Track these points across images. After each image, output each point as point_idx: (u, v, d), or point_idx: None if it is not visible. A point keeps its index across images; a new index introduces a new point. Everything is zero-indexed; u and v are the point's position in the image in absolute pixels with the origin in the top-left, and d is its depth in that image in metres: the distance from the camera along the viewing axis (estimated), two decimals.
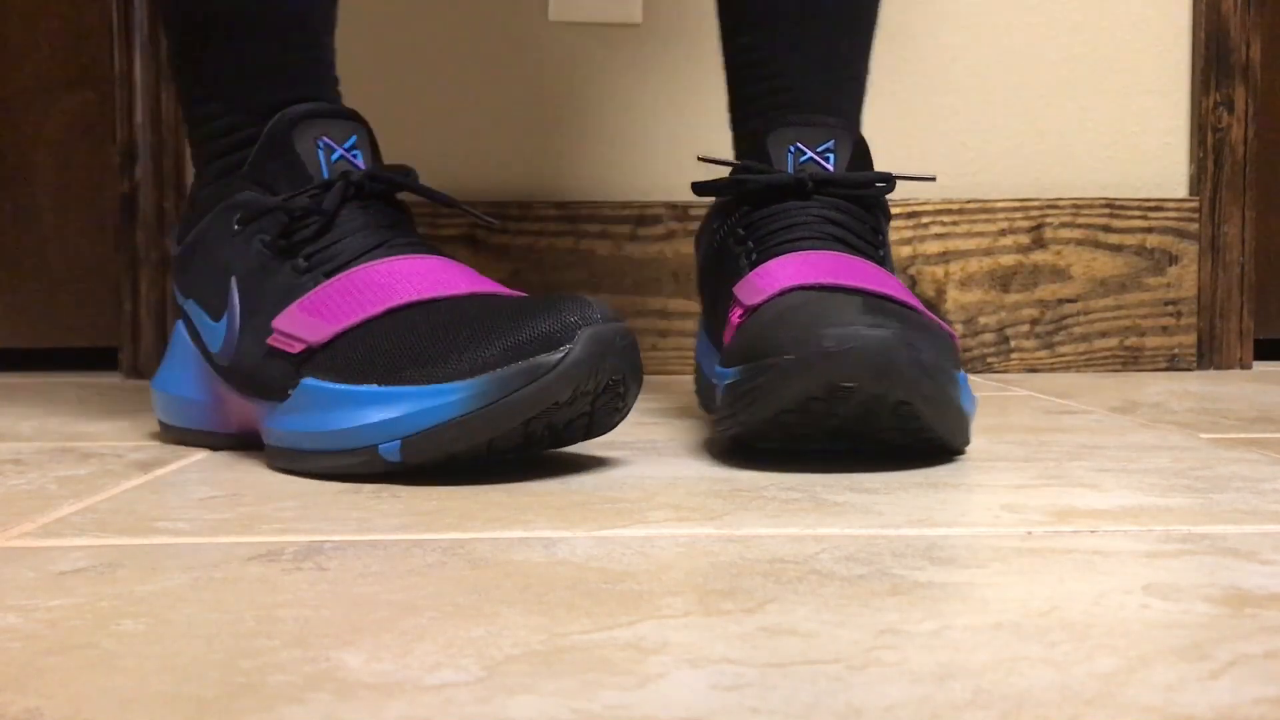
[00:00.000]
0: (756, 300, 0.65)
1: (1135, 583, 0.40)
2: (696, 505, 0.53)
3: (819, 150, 0.73)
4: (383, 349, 0.60)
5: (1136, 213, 1.15)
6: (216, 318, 0.68)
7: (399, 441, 0.58)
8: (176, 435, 0.72)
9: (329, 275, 0.63)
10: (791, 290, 0.65)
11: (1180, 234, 1.15)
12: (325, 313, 0.62)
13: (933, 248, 1.13)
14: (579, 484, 0.58)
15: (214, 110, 0.69)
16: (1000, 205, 1.13)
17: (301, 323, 0.62)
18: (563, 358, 0.56)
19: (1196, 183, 1.16)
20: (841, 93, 0.79)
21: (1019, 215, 1.14)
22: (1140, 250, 1.15)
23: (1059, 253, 1.14)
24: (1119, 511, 0.51)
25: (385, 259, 0.64)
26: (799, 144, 0.73)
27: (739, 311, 0.67)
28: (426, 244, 0.67)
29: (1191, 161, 1.16)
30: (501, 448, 0.59)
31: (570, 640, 0.34)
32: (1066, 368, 1.14)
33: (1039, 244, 1.14)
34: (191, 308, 0.70)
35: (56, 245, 1.21)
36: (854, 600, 0.38)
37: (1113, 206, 1.14)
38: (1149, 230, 1.15)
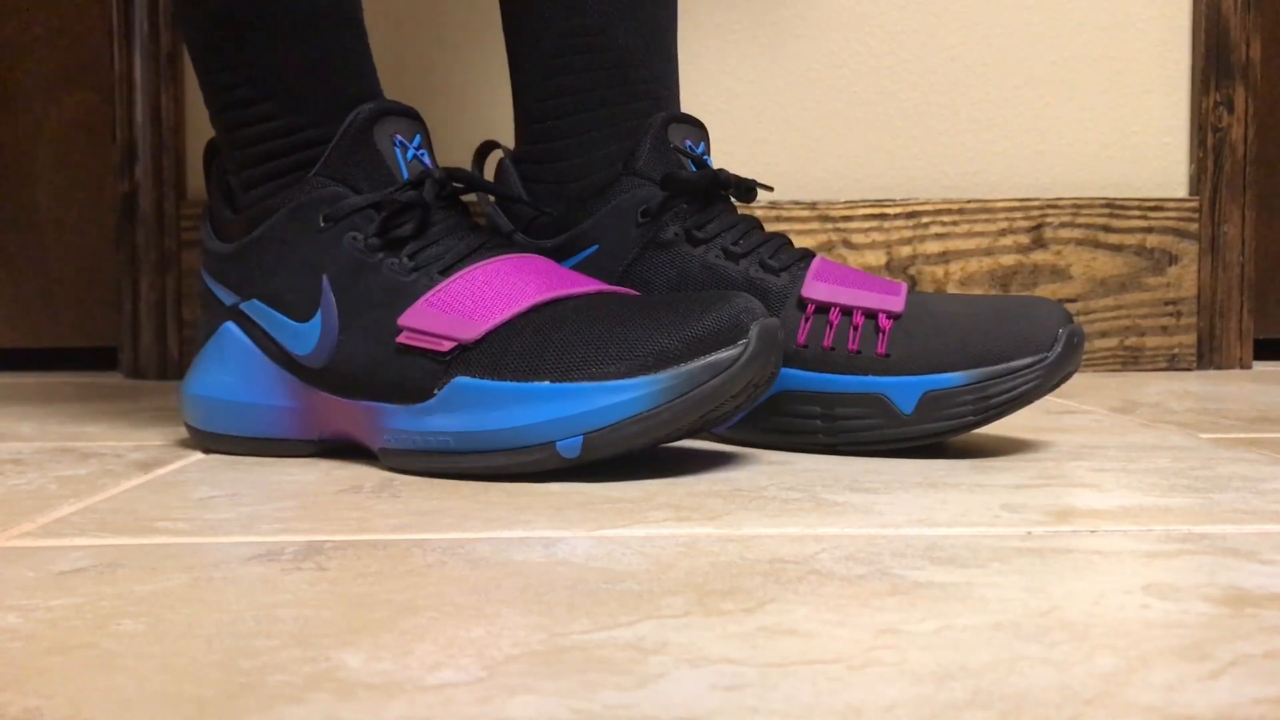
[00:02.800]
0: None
1: (1135, 583, 0.40)
2: (696, 505, 0.53)
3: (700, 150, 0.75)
4: (548, 344, 0.59)
5: (1136, 213, 1.15)
6: (303, 318, 0.65)
7: (581, 437, 0.58)
8: (231, 445, 0.69)
9: (444, 273, 0.63)
10: None
11: (1180, 234, 1.15)
12: (466, 310, 0.61)
13: (933, 248, 1.13)
14: (579, 484, 0.58)
15: (268, 110, 0.67)
16: (1000, 205, 1.13)
17: (444, 321, 0.61)
18: (742, 353, 0.58)
19: (1196, 182, 1.16)
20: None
21: (1019, 215, 1.14)
22: (1140, 250, 1.15)
23: (1059, 252, 1.14)
24: (1119, 511, 0.51)
25: (496, 258, 0.64)
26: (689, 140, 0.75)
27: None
28: (516, 244, 0.67)
29: (1191, 161, 1.16)
30: (669, 439, 0.60)
31: (570, 640, 0.34)
32: None
33: (1039, 244, 1.14)
34: (256, 308, 0.67)
35: (56, 245, 1.22)
36: (854, 600, 0.38)
37: (1113, 206, 1.14)
38: (1149, 230, 1.15)
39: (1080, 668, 0.32)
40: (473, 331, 0.60)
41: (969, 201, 1.13)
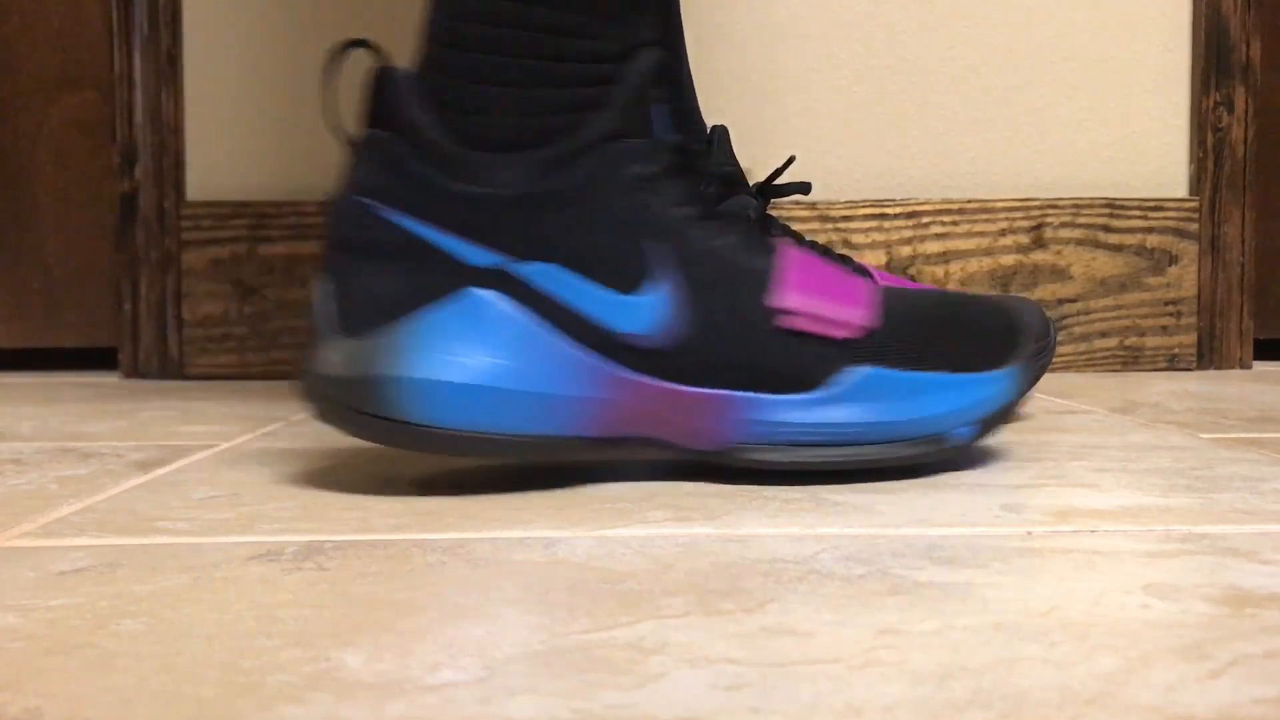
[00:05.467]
0: None
1: (1135, 582, 0.40)
2: (696, 505, 0.53)
3: None
4: (929, 335, 0.60)
5: (1136, 212, 1.15)
6: (626, 288, 0.56)
7: (973, 426, 0.60)
8: (486, 449, 0.55)
9: (766, 251, 0.59)
10: None
11: (1180, 234, 1.15)
12: (837, 294, 0.59)
13: (933, 247, 1.13)
14: (579, 484, 0.58)
15: (591, 27, 0.56)
16: (1000, 205, 1.13)
17: (829, 305, 0.58)
18: (1050, 344, 0.64)
19: (1196, 182, 1.16)
20: None
21: (1019, 215, 1.14)
22: (1140, 250, 1.15)
23: (1059, 252, 1.14)
24: (1119, 511, 0.51)
25: (778, 238, 0.61)
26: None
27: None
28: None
29: (1191, 161, 1.16)
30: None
31: (570, 640, 0.34)
32: (1066, 367, 1.14)
33: (1039, 244, 1.14)
34: (547, 272, 0.55)
35: (56, 245, 1.22)
36: (854, 600, 0.38)
37: (1113, 206, 1.14)
38: (1149, 230, 1.15)
39: (1080, 668, 0.32)
40: (865, 319, 0.58)
41: (969, 201, 1.13)
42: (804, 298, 0.58)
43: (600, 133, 0.56)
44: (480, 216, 0.55)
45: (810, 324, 0.57)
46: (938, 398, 0.59)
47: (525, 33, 0.56)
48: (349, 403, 0.55)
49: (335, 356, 0.55)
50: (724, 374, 0.57)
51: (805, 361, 0.57)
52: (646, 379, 0.56)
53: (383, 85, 0.56)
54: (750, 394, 0.57)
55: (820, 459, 0.58)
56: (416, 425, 0.54)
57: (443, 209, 0.55)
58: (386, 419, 0.54)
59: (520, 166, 0.55)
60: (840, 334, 0.58)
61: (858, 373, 0.58)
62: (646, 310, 0.56)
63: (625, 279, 0.56)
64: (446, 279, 0.55)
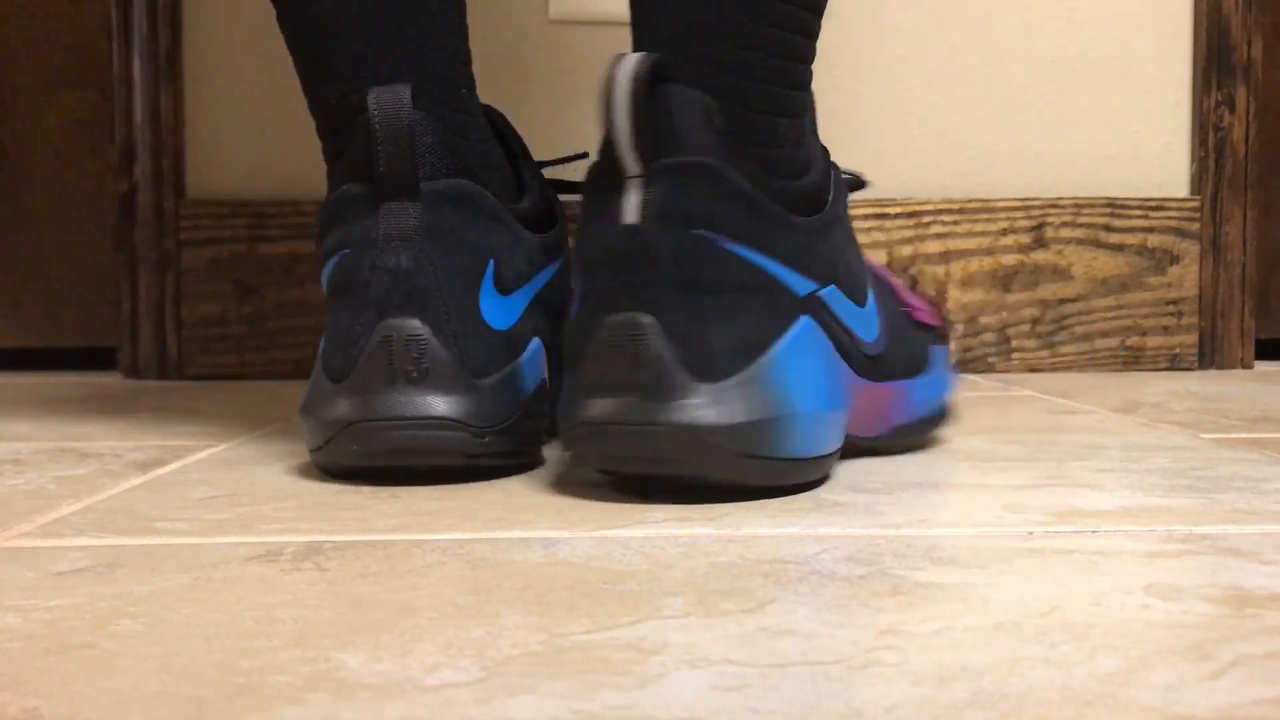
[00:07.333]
0: None
1: (1136, 583, 0.40)
2: (696, 505, 0.53)
3: None
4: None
5: (1138, 212, 1.15)
6: (862, 300, 0.59)
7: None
8: (823, 468, 0.55)
9: None
10: None
11: (1181, 233, 1.15)
12: (902, 288, 0.68)
13: (933, 247, 1.12)
14: (579, 484, 0.58)
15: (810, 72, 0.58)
16: (1001, 205, 1.13)
17: (911, 297, 0.67)
18: None
19: (1198, 182, 1.16)
20: None
21: (1020, 215, 1.13)
22: (1141, 250, 1.15)
23: (1060, 252, 1.14)
24: (1120, 511, 0.51)
25: None
26: None
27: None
28: None
29: (1193, 161, 1.16)
30: None
31: (570, 640, 0.34)
32: (1068, 367, 1.14)
33: (1040, 243, 1.14)
34: (835, 295, 0.56)
35: (56, 245, 1.22)
36: (854, 600, 0.38)
37: (1114, 206, 1.14)
38: (1150, 230, 1.15)
39: (1081, 668, 0.32)
40: (925, 304, 0.67)
41: (970, 201, 1.13)
42: (910, 294, 0.67)
43: (827, 155, 0.60)
44: (800, 244, 0.54)
45: (921, 315, 0.66)
46: (947, 364, 0.69)
47: (787, 51, 0.55)
48: (742, 449, 0.51)
49: (705, 404, 0.51)
50: (898, 366, 0.63)
51: (925, 346, 0.66)
52: (869, 383, 0.61)
53: (673, 106, 0.52)
54: (910, 381, 0.64)
55: (928, 434, 0.67)
56: (804, 459, 0.53)
57: (778, 239, 0.53)
58: (781, 459, 0.52)
59: (804, 191, 0.55)
60: (933, 321, 0.67)
61: (940, 350, 0.68)
62: (873, 319, 0.61)
63: (861, 292, 0.59)
64: (787, 309, 0.53)
